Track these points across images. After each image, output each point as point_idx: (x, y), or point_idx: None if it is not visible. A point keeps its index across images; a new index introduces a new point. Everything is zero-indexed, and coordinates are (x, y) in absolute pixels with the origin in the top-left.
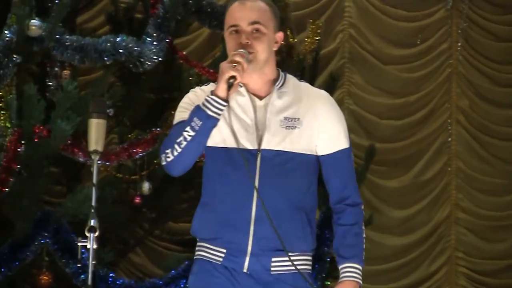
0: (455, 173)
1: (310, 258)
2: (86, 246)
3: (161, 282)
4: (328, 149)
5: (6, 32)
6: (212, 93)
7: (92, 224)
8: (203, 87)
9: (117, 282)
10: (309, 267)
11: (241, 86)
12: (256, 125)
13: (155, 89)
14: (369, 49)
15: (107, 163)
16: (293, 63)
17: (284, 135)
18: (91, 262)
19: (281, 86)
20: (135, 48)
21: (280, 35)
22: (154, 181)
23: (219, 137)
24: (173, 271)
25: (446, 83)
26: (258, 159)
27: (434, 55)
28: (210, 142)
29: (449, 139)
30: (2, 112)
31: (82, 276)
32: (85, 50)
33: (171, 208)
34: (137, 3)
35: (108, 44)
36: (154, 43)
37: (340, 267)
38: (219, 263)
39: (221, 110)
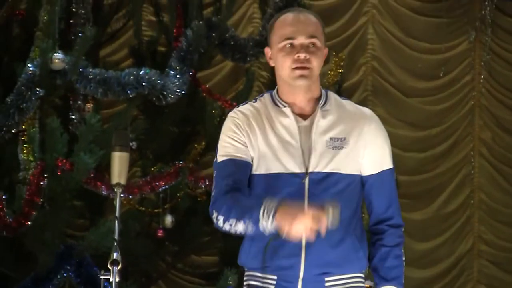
0: (478, 206)
1: (362, 276)
2: (108, 279)
3: None
4: (374, 169)
5: (29, 65)
6: (274, 213)
7: (114, 257)
8: (240, 108)
9: None
10: (362, 285)
11: (285, 106)
12: (301, 147)
13: (178, 122)
14: (392, 81)
15: (130, 196)
16: None
17: (331, 156)
18: None
19: (324, 104)
20: (158, 81)
21: (326, 51)
22: (176, 214)
23: (264, 163)
24: None
25: (469, 115)
26: (306, 182)
27: (457, 88)
28: (256, 169)
29: (472, 171)
30: (25, 145)
31: None
32: (108, 83)
33: (193, 241)
34: (160, 36)
35: (131, 77)
36: (177, 76)
37: None
38: None
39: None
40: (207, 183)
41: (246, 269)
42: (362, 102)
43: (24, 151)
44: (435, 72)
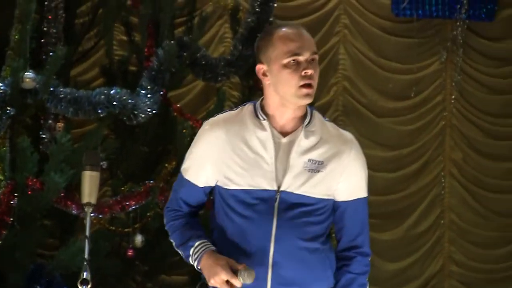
0: (448, 226)
1: None
2: None
3: None
4: (348, 196)
5: (0, 84)
6: (199, 261)
7: (84, 276)
8: (217, 118)
9: None
10: None
11: (264, 119)
12: (276, 163)
13: (149, 141)
14: (363, 101)
15: (100, 216)
16: None
17: (306, 178)
18: None
19: (308, 124)
20: (129, 101)
21: None
22: (147, 234)
23: (235, 178)
24: None
25: (440, 135)
26: (277, 201)
27: (428, 108)
28: (226, 184)
29: (442, 192)
30: None
31: None
32: (79, 102)
33: (163, 261)
34: (131, 55)
35: (102, 96)
36: (148, 95)
37: None
38: None
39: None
40: None
41: None
42: (333, 122)
43: None
44: (406, 92)
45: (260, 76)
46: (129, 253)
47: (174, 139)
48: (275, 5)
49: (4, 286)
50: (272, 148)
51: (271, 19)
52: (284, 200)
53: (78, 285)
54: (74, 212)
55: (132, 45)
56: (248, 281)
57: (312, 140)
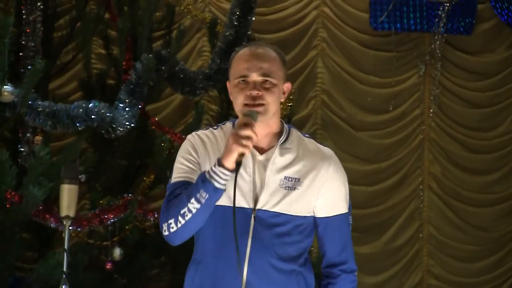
0: (427, 240)
1: None
2: None
3: None
4: (327, 212)
5: None
6: (219, 162)
7: None
8: (199, 132)
9: None
10: None
11: None
12: (253, 181)
13: (127, 155)
14: (342, 115)
15: (79, 229)
16: None
17: (282, 195)
18: None
19: (284, 142)
20: (108, 114)
21: (288, 86)
22: (125, 247)
23: None
24: None
25: (418, 149)
26: (252, 219)
27: (407, 121)
28: None
29: (421, 205)
30: None
31: None
32: (57, 116)
33: (142, 274)
34: (109, 69)
35: (81, 110)
36: (127, 109)
37: None
38: None
39: (227, 180)
40: (156, 216)
41: None
42: (312, 138)
43: None
44: (384, 105)
45: (229, 93)
46: (108, 266)
47: (152, 153)
48: (253, 19)
49: None
50: (250, 166)
51: (249, 32)
52: (260, 219)
53: None
54: (53, 225)
55: (110, 59)
56: (255, 118)
57: (288, 157)
